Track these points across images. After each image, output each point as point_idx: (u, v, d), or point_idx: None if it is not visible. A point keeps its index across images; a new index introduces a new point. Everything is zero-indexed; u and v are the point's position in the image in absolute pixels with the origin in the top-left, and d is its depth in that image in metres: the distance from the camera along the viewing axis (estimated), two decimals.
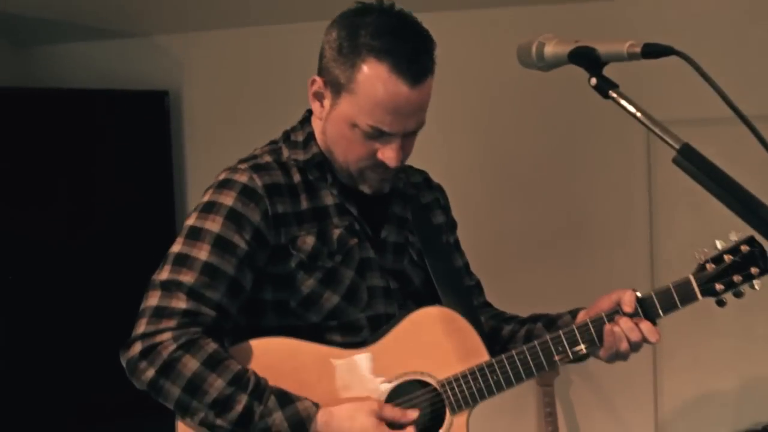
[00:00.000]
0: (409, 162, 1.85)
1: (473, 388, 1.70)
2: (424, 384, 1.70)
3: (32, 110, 3.41)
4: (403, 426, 1.63)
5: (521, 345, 1.76)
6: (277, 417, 1.53)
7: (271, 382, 1.58)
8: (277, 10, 3.56)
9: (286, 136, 1.79)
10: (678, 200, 3.31)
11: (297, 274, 1.66)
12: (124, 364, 1.59)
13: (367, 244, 1.75)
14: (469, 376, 1.70)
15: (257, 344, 1.64)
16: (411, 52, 1.59)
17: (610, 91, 1.25)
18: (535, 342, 1.72)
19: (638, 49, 1.21)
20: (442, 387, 1.69)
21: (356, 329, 1.70)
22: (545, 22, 3.15)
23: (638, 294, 1.71)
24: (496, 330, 1.92)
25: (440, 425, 1.69)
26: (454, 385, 1.69)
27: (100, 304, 3.36)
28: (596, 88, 1.26)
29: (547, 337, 1.72)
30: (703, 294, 1.69)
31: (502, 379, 1.71)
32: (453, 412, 1.69)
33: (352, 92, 1.60)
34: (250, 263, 1.63)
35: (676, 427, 3.45)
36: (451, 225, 2.00)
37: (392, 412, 1.63)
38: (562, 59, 1.30)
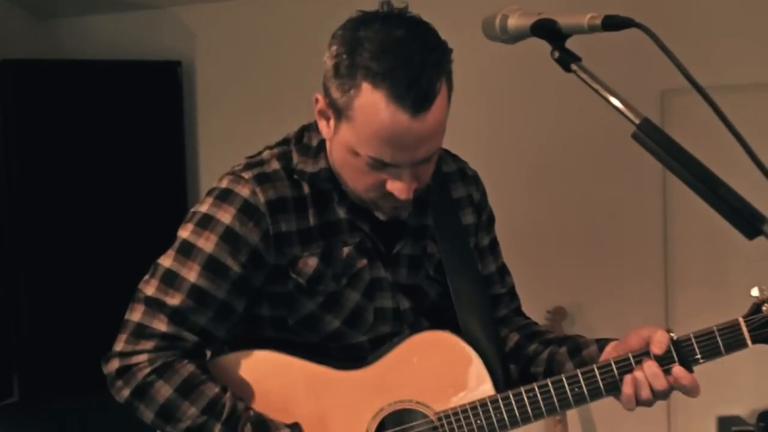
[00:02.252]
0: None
1: (473, 425, 1.53)
2: (420, 413, 1.55)
3: (49, 81, 3.42)
4: None
5: (542, 368, 1.61)
6: None
7: (257, 398, 1.52)
8: None
9: (300, 136, 1.60)
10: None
11: (296, 296, 1.55)
12: (105, 374, 1.53)
13: (378, 263, 1.59)
14: (469, 411, 1.53)
15: (246, 357, 1.56)
16: (413, 74, 1.35)
17: (572, 65, 1.21)
18: (548, 381, 1.52)
19: (598, 21, 1.16)
20: (438, 420, 1.53)
21: (358, 350, 1.59)
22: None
23: (673, 335, 1.47)
24: (520, 347, 1.73)
25: None
26: (452, 419, 1.53)
27: (112, 268, 3.38)
28: (558, 60, 1.22)
29: (563, 377, 1.51)
30: (755, 341, 1.46)
31: (506, 419, 1.52)
32: None
33: (350, 119, 1.41)
34: (243, 286, 1.52)
35: (690, 406, 3.40)
36: (486, 223, 1.77)
37: None
38: (525, 32, 1.26)
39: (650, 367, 1.47)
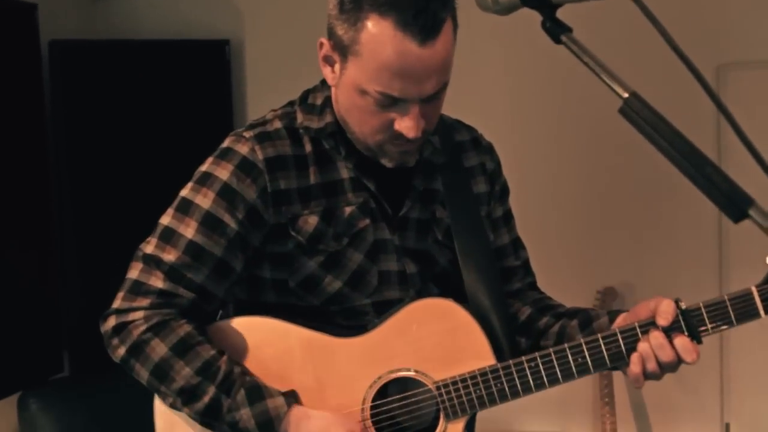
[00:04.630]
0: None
1: (472, 396, 1.49)
2: (419, 382, 1.53)
3: (97, 61, 3.46)
4: None
5: (552, 342, 1.58)
6: (245, 413, 1.43)
7: (253, 364, 1.50)
8: None
9: (305, 96, 1.63)
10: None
11: (297, 256, 1.54)
12: (102, 333, 1.55)
13: (383, 224, 1.58)
14: (469, 381, 1.50)
15: (243, 323, 1.55)
16: (419, 4, 1.36)
17: (562, 36, 1.15)
18: (551, 350, 1.48)
19: None
20: (437, 389, 1.51)
21: (360, 315, 1.57)
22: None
23: (682, 305, 1.44)
24: (532, 320, 1.70)
25: (434, 430, 1.53)
26: (451, 389, 1.50)
27: None
28: (548, 31, 1.17)
29: (566, 346, 1.48)
30: None
31: (507, 389, 1.48)
32: (448, 418, 1.51)
33: (357, 54, 1.41)
34: (241, 244, 1.52)
35: (744, 387, 3.29)
36: (500, 194, 1.75)
37: None
38: (515, 2, 1.20)
39: (656, 337, 1.44)
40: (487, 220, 1.70)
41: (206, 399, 1.45)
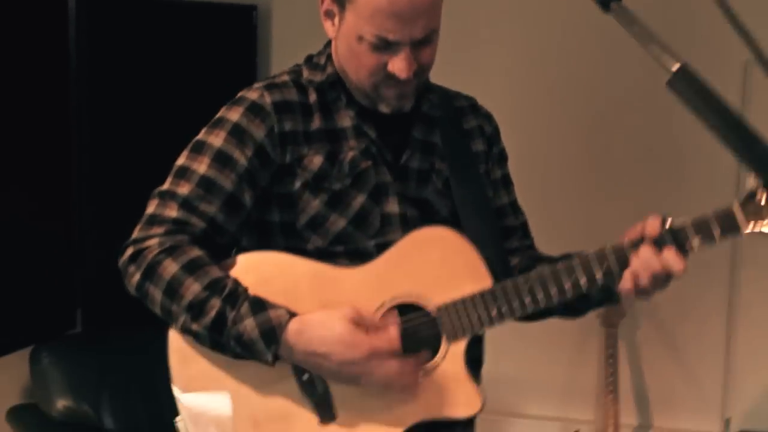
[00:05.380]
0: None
1: (472, 316, 1.57)
2: (421, 308, 1.59)
3: (124, 20, 3.45)
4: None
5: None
6: (249, 324, 1.48)
7: (261, 296, 1.53)
8: None
9: (309, 58, 1.76)
10: None
11: (303, 195, 1.62)
12: (119, 267, 1.62)
13: (383, 168, 1.66)
14: (469, 302, 1.57)
15: (251, 258, 1.61)
16: None
17: (612, 3, 1.15)
18: (546, 268, 1.56)
19: None
20: (438, 312, 1.58)
21: (365, 256, 1.62)
22: None
23: (668, 220, 1.51)
24: (526, 269, 1.72)
25: (436, 353, 1.59)
26: (451, 311, 1.57)
27: None
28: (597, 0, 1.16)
29: (559, 267, 1.55)
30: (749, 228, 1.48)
31: (505, 309, 1.57)
32: (450, 340, 1.58)
33: (353, 2, 1.55)
34: (250, 180, 1.61)
35: (747, 383, 3.30)
36: (498, 157, 1.84)
37: (370, 319, 1.53)
38: None
39: (646, 250, 1.51)
40: (486, 178, 1.79)
41: (212, 313, 1.49)
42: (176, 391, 1.60)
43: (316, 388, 1.55)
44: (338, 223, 1.63)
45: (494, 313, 1.57)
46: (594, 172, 3.44)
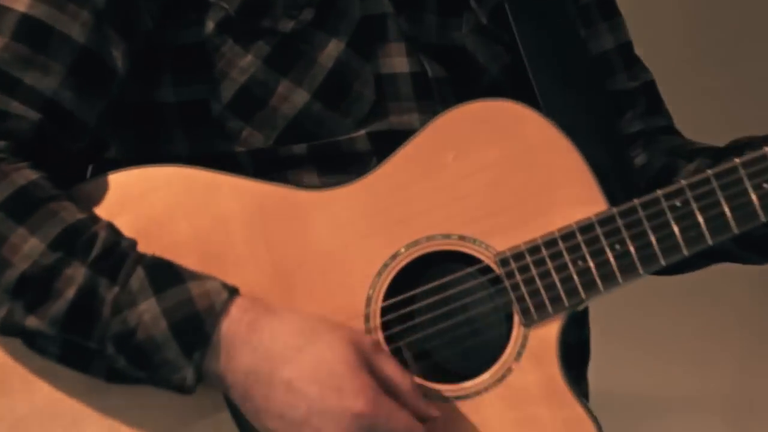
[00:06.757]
0: None
1: (572, 272, 0.86)
2: (466, 258, 0.89)
3: None
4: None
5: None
6: (146, 309, 0.81)
7: (153, 250, 0.86)
8: None
9: None
10: None
11: (219, 47, 0.91)
12: None
13: None
14: (562, 245, 0.86)
15: (128, 178, 0.89)
16: None
17: None
18: (709, 171, 0.87)
19: None
20: (503, 266, 0.88)
21: (351, 159, 0.91)
22: None
23: None
24: (667, 170, 1.05)
25: (501, 344, 0.89)
26: (530, 263, 0.86)
27: None
28: None
29: (737, 160, 0.87)
30: None
31: (635, 254, 0.84)
32: (528, 322, 0.88)
33: None
34: (122, 23, 0.89)
35: None
36: None
37: (388, 365, 0.85)
38: None
39: None
40: (570, 3, 1.06)
41: (70, 293, 0.82)
42: None
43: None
44: (294, 97, 0.91)
45: (615, 261, 0.86)
46: None
